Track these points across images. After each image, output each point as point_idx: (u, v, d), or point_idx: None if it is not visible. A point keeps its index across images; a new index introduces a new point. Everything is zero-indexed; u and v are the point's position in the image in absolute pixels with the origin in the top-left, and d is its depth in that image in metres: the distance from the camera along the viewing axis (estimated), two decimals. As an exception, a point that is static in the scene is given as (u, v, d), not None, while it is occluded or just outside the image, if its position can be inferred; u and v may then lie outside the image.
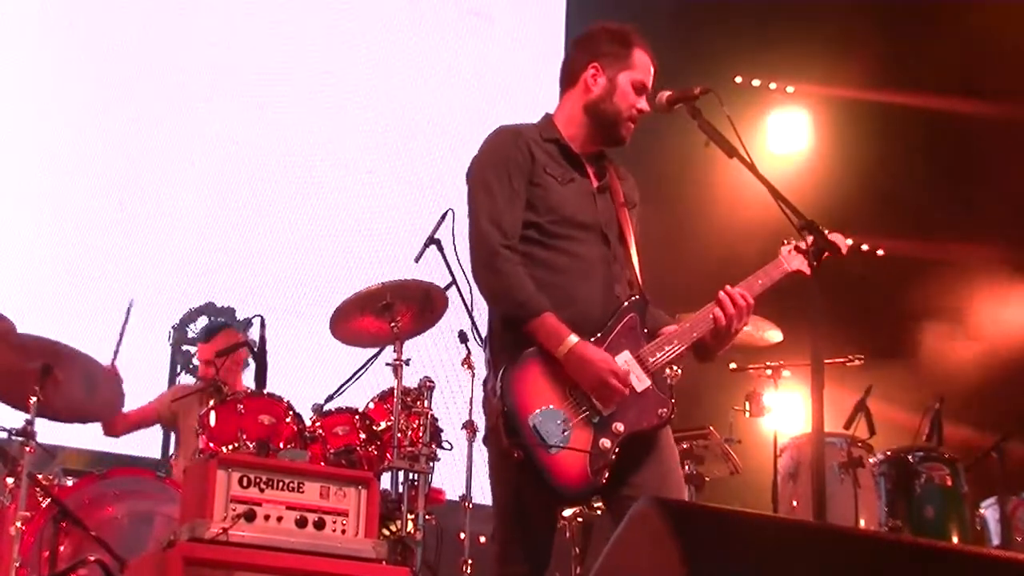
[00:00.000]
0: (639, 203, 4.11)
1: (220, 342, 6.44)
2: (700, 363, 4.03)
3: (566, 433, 3.68)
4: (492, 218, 3.81)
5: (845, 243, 4.05)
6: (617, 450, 3.71)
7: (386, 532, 5.77)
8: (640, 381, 3.80)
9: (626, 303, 3.88)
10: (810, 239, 3.58)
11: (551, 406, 3.70)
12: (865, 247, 8.97)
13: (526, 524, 3.81)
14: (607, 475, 3.69)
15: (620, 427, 3.74)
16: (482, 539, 6.66)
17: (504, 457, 3.70)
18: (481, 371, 6.14)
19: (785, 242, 4.08)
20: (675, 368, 5.44)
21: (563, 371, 3.72)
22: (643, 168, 4.47)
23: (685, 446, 6.42)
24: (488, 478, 3.95)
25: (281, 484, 4.46)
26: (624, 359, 3.80)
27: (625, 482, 3.75)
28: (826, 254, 3.60)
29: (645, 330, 3.89)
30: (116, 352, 6.05)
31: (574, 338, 3.72)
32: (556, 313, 3.74)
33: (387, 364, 5.99)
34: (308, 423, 5.77)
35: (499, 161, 3.89)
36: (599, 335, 3.81)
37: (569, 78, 4.06)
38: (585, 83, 4.00)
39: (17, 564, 5.02)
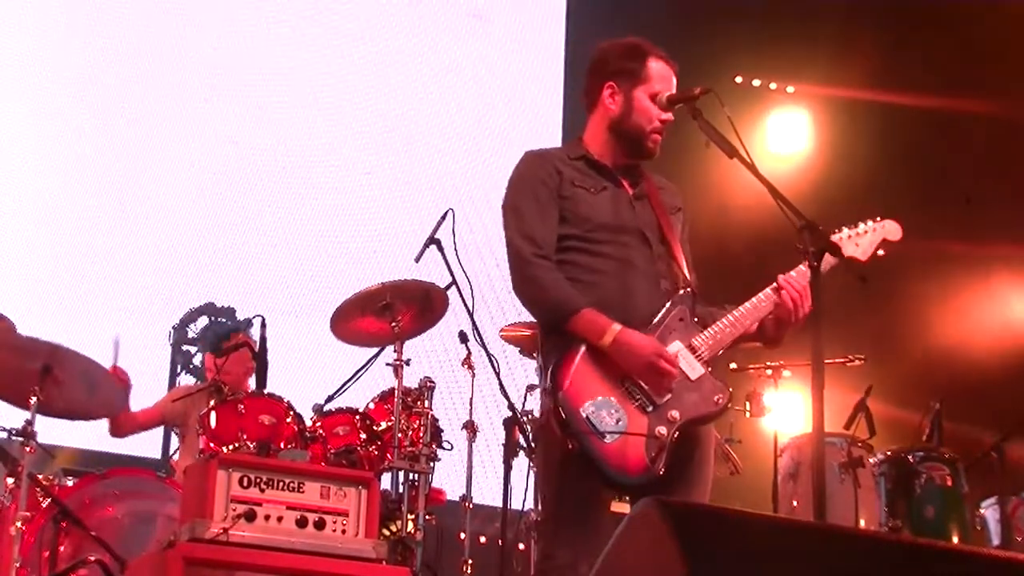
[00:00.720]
0: (684, 208, 4.14)
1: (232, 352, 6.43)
2: (768, 349, 4.05)
3: (620, 422, 3.69)
4: (523, 233, 3.87)
5: (898, 231, 4.14)
6: (673, 436, 3.72)
7: (386, 532, 5.77)
8: (693, 369, 3.82)
9: (675, 296, 3.91)
10: (809, 239, 3.58)
11: (604, 396, 3.72)
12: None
13: (580, 516, 3.79)
14: (664, 461, 3.69)
15: (675, 414, 3.76)
16: (482, 539, 6.68)
17: (557, 450, 3.71)
18: (481, 371, 6.18)
19: (837, 230, 4.09)
20: None
21: (613, 362, 3.75)
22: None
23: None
24: (538, 474, 3.94)
25: (281, 484, 4.47)
26: (675, 349, 3.82)
27: (679, 476, 3.75)
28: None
29: (696, 321, 3.90)
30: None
31: (617, 326, 3.75)
32: (606, 313, 3.77)
33: (387, 364, 5.99)
34: (308, 423, 5.77)
35: (525, 183, 3.96)
36: (648, 328, 3.83)
37: (590, 102, 4.10)
38: (604, 104, 4.03)
39: (17, 564, 5.02)
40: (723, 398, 3.83)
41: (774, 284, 3.93)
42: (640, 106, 3.97)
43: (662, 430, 3.72)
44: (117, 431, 6.51)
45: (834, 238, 4.03)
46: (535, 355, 4.36)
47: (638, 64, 4.00)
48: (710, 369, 3.86)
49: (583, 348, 3.77)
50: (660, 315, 3.86)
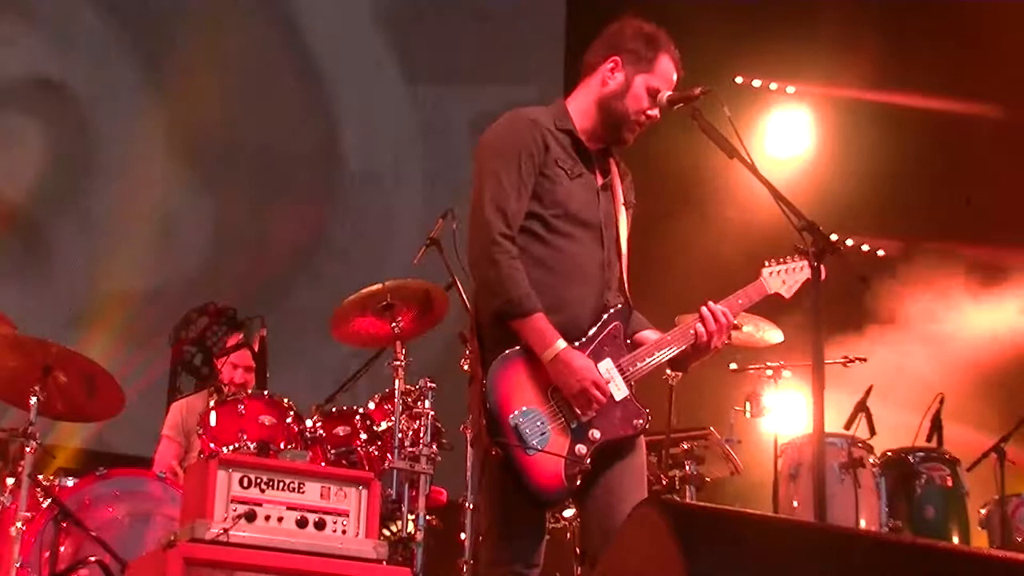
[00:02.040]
0: (635, 203, 4.09)
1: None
2: (672, 371, 4.06)
3: (544, 436, 3.70)
4: (496, 204, 3.77)
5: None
6: (591, 456, 3.73)
7: (387, 533, 5.77)
8: (619, 390, 3.82)
9: (611, 311, 3.89)
10: (810, 240, 3.58)
11: (532, 407, 3.72)
12: (866, 247, 8.97)
13: (513, 524, 3.80)
14: (580, 481, 3.71)
15: (596, 434, 3.76)
16: (482, 539, 6.66)
17: (485, 449, 3.71)
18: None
19: (767, 263, 4.07)
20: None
21: (546, 373, 3.73)
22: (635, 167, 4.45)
23: (686, 447, 6.43)
24: (473, 477, 3.94)
25: (282, 484, 4.47)
26: (606, 367, 3.82)
27: (595, 482, 3.76)
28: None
29: (628, 340, 3.90)
30: None
31: (561, 343, 3.72)
32: (547, 315, 3.73)
33: (388, 365, 5.99)
34: (309, 424, 5.77)
35: (512, 148, 3.84)
36: (583, 340, 3.81)
37: (589, 66, 4.00)
38: (602, 76, 3.95)
39: (17, 564, 5.02)
40: (642, 423, 3.83)
41: (699, 312, 3.90)
42: (635, 92, 3.92)
43: (582, 449, 3.73)
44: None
45: (765, 271, 4.04)
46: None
47: (651, 53, 3.94)
48: (633, 392, 3.84)
49: (520, 352, 3.74)
50: (595, 329, 3.84)
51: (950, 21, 8.65)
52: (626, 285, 3.96)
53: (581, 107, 3.97)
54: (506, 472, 3.68)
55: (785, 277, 4.05)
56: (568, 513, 6.13)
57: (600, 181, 3.97)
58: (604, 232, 3.92)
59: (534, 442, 3.67)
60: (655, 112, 3.95)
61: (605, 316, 3.87)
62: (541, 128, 3.88)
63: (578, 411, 3.75)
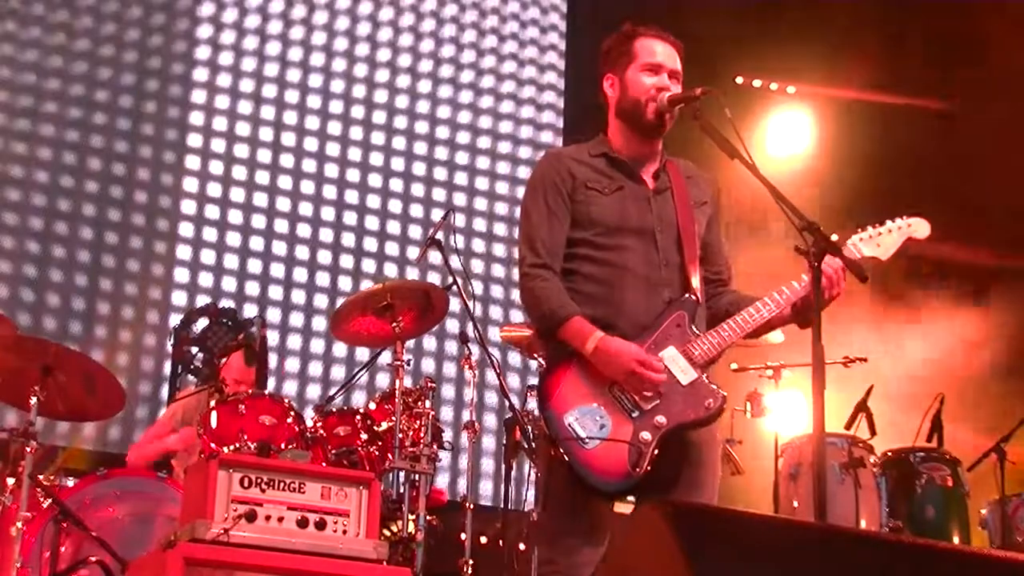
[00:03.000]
0: (715, 199, 4.16)
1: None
2: (801, 329, 4.01)
3: (604, 428, 3.75)
4: (527, 241, 3.98)
5: (926, 228, 4.12)
6: (659, 442, 3.74)
7: (387, 533, 5.77)
8: (685, 374, 3.84)
9: (674, 302, 3.93)
10: (811, 240, 3.58)
11: (589, 404, 3.78)
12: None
13: (570, 521, 3.83)
14: (647, 466, 3.71)
15: (662, 419, 3.78)
16: (483, 540, 6.67)
17: (548, 457, 3.82)
18: (481, 372, 6.19)
19: (859, 229, 4.08)
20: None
21: (600, 371, 3.81)
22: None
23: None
24: (536, 481, 4.01)
25: (282, 484, 4.47)
26: (670, 354, 3.85)
27: (665, 481, 3.76)
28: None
29: (694, 327, 3.91)
30: None
31: (599, 334, 3.81)
32: (601, 323, 3.83)
33: (388, 365, 6.00)
34: (309, 424, 5.77)
35: (537, 185, 4.06)
36: (644, 334, 3.86)
37: (603, 100, 4.15)
38: (608, 95, 4.11)
39: (18, 564, 5.02)
40: (714, 403, 3.84)
41: (795, 280, 3.90)
42: (632, 82, 4.02)
43: (646, 435, 3.75)
44: (140, 459, 6.50)
45: (856, 236, 4.05)
46: (536, 355, 4.43)
47: (626, 47, 4.07)
48: (705, 375, 3.86)
49: (572, 356, 3.84)
50: (655, 320, 3.89)
51: (950, 20, 8.65)
52: (693, 280, 3.96)
53: (611, 128, 4.13)
54: (567, 470, 3.73)
55: (880, 240, 4.06)
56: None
57: (652, 186, 4.03)
58: (658, 235, 3.97)
59: (592, 434, 3.73)
60: (665, 82, 4.00)
61: (666, 308, 3.91)
62: (564, 160, 4.07)
63: (636, 397, 3.78)
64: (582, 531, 3.82)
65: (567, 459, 3.72)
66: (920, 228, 4.15)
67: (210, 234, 8.20)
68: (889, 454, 6.77)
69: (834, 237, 3.75)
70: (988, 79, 8.65)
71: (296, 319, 8.00)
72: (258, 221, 8.35)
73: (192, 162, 8.27)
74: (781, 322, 3.99)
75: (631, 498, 4.00)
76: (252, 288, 8.18)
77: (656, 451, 3.73)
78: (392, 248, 8.55)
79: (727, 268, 4.17)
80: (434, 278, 6.15)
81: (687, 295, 3.95)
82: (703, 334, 3.90)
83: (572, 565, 3.79)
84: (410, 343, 6.22)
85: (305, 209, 8.49)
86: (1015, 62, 8.42)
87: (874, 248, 4.07)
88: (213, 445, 5.45)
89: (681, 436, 3.81)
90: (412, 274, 6.19)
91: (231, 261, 8.22)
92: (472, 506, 6.20)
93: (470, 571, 6.02)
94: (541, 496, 4.00)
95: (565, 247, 3.97)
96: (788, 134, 9.45)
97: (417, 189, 8.75)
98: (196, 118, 8.33)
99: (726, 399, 3.86)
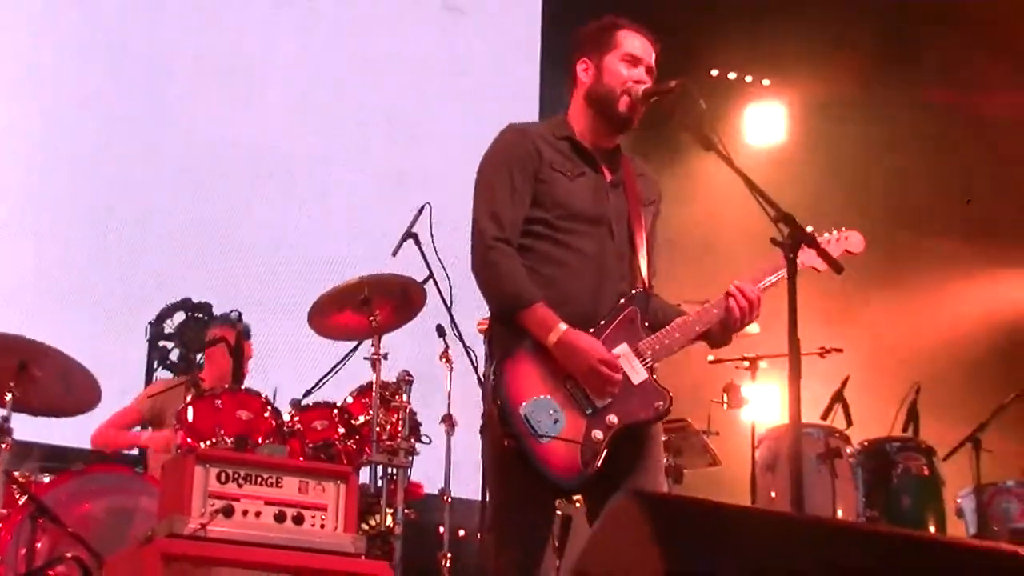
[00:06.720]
0: (659, 200, 4.13)
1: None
2: (711, 348, 4.07)
3: (558, 423, 3.69)
4: (490, 213, 3.86)
5: (861, 243, 4.12)
6: (609, 441, 3.72)
7: (365, 526, 5.77)
8: (637, 374, 3.81)
9: (626, 297, 3.90)
10: (787, 231, 3.59)
11: (543, 396, 3.71)
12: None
13: (521, 513, 3.80)
14: (598, 465, 3.69)
15: (614, 419, 3.75)
16: (461, 532, 6.67)
17: (499, 447, 3.71)
18: (459, 366, 6.18)
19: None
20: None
21: (557, 362, 3.74)
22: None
23: (664, 439, 6.44)
24: (483, 468, 3.94)
25: (259, 479, 4.46)
26: (622, 351, 3.81)
27: (609, 476, 3.75)
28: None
29: (646, 324, 3.89)
30: None
31: (563, 326, 3.73)
32: (557, 309, 3.75)
33: (365, 358, 5.99)
34: (286, 418, 5.76)
35: (502, 159, 3.94)
36: (597, 327, 3.82)
37: (570, 79, 4.11)
38: (579, 77, 4.06)
39: (-6, 561, 5.01)
40: (663, 405, 3.83)
41: (727, 291, 3.92)
42: (609, 69, 3.99)
43: (599, 434, 3.72)
44: (106, 446, 6.49)
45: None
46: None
47: (608, 35, 4.04)
48: (654, 375, 3.85)
49: (529, 344, 3.75)
50: (609, 315, 3.85)
51: (932, 14, 8.69)
52: (644, 274, 3.95)
53: (575, 111, 4.07)
54: (520, 462, 3.67)
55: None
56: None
57: (609, 178, 4.00)
58: (614, 226, 3.95)
59: (546, 430, 3.66)
60: (642, 76, 3.99)
61: (620, 302, 3.88)
62: (531, 137, 3.97)
63: (592, 395, 3.74)
64: (532, 525, 3.79)
65: (520, 452, 3.64)
66: (855, 242, 4.12)
67: (186, 227, 8.16)
68: (865, 444, 6.80)
69: (809, 228, 3.77)
70: (969, 70, 8.70)
71: (273, 313, 7.96)
72: (233, 214, 8.32)
73: (169, 155, 8.23)
74: (702, 338, 3.97)
75: (576, 497, 3.98)
76: (227, 282, 8.14)
77: (606, 450, 3.72)
78: (369, 241, 8.52)
79: (656, 272, 4.10)
80: (411, 271, 6.12)
81: (638, 289, 3.93)
82: (653, 336, 3.87)
83: (519, 560, 3.75)
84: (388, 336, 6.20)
85: (281, 201, 8.46)
86: (1003, 56, 8.47)
87: (811, 258, 3.97)
88: (190, 440, 5.44)
89: (627, 433, 3.79)
90: (389, 267, 6.19)
91: (207, 255, 8.18)
92: (450, 499, 6.20)
93: (448, 564, 6.03)
94: (492, 486, 3.93)
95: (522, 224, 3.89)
96: (763, 126, 9.47)
97: (393, 180, 8.72)
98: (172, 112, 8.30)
99: (673, 400, 3.84)
